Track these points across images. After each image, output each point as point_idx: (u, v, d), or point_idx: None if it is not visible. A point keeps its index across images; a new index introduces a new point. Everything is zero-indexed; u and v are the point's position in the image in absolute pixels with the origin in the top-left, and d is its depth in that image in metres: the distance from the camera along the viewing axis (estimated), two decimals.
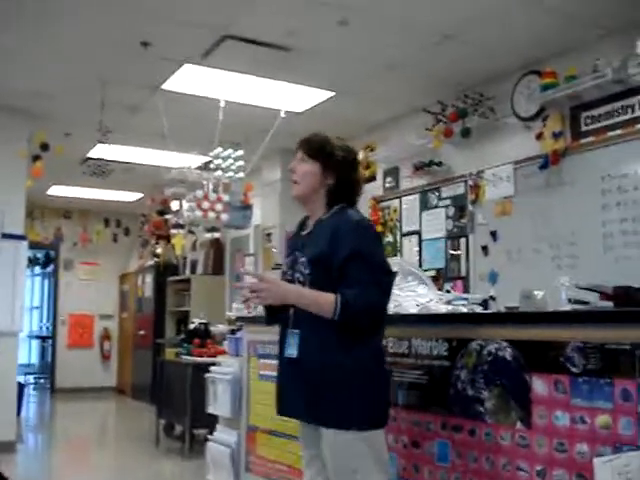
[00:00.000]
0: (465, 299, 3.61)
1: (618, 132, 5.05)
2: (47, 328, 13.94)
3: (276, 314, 2.83)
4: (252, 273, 2.81)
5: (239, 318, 5.09)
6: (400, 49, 5.59)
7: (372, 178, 7.44)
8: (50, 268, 13.70)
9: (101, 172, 6.99)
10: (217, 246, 10.59)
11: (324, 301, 2.55)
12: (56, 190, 10.84)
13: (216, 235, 7.56)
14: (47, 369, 13.31)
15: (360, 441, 2.54)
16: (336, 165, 2.78)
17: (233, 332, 5.22)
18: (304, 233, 2.86)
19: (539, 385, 2.54)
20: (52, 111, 7.16)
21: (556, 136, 5.43)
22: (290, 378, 2.73)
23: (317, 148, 2.81)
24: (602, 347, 2.34)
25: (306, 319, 2.63)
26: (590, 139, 5.27)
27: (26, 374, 13.22)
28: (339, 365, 2.55)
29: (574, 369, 2.42)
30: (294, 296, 2.66)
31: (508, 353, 2.68)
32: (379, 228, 7.18)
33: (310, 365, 2.61)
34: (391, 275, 2.69)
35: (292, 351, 2.68)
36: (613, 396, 2.29)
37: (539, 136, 5.58)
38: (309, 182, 2.80)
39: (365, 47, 5.56)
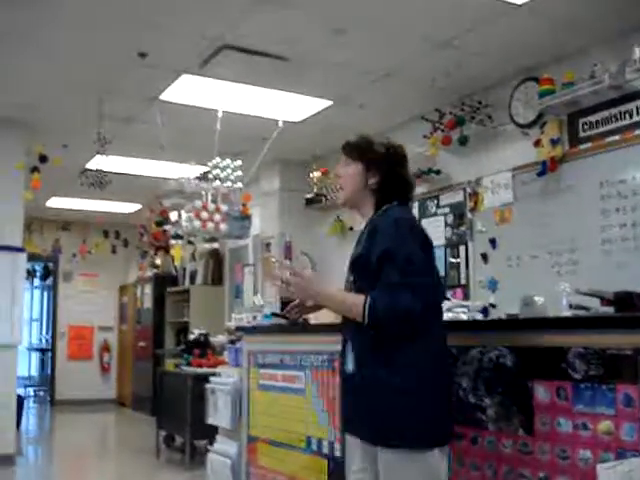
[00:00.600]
0: (465, 306, 3.60)
1: (616, 138, 5.05)
2: (46, 340, 13.90)
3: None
4: (287, 266, 2.71)
5: (239, 328, 5.08)
6: (397, 57, 5.59)
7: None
8: (49, 280, 13.67)
9: (99, 183, 6.96)
10: (216, 256, 10.57)
11: (353, 303, 2.46)
12: (54, 202, 10.83)
13: (215, 245, 7.56)
14: (47, 381, 13.27)
15: (411, 461, 2.40)
16: (378, 162, 2.67)
17: (233, 342, 5.21)
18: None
19: (541, 392, 2.53)
20: (50, 123, 7.16)
21: (554, 143, 5.43)
22: (346, 394, 2.69)
23: (356, 148, 2.74)
24: (604, 353, 2.33)
25: (358, 331, 2.54)
26: (588, 145, 5.26)
27: (26, 386, 13.21)
28: (385, 380, 2.43)
29: (576, 375, 2.41)
30: (324, 297, 2.61)
31: (509, 360, 2.67)
32: None
33: (360, 380, 2.53)
34: (429, 277, 2.48)
35: (350, 366, 2.59)
36: (615, 402, 2.28)
37: (537, 143, 5.57)
38: (353, 185, 2.71)
39: (362, 56, 5.56)
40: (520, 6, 4.66)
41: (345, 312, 2.54)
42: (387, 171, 2.68)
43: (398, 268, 2.39)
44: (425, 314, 2.41)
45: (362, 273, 2.54)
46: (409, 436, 2.40)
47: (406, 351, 2.44)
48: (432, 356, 2.50)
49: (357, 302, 2.44)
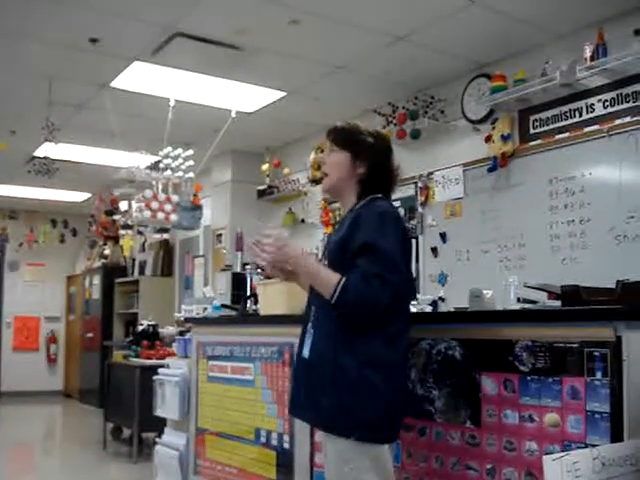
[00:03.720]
0: (415, 299, 3.62)
1: (566, 135, 5.13)
2: None
3: None
4: (267, 230, 2.59)
5: (188, 319, 5.05)
6: (351, 50, 5.59)
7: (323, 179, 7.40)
8: None
9: (47, 171, 6.83)
10: (166, 247, 10.48)
11: (328, 279, 2.42)
12: (1, 190, 10.62)
13: (165, 236, 7.49)
14: None
15: (360, 453, 2.39)
16: (367, 152, 2.64)
17: (182, 334, 5.17)
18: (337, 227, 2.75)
19: (488, 384, 2.55)
20: None
21: (505, 139, 5.48)
22: (299, 378, 2.63)
23: (345, 136, 2.69)
24: (551, 346, 2.36)
25: (322, 318, 2.54)
26: (538, 142, 5.33)
27: None
28: (344, 368, 2.41)
29: (523, 368, 2.44)
30: (301, 262, 2.52)
31: (458, 352, 2.68)
32: (329, 229, 7.18)
33: (317, 366, 2.50)
34: (403, 274, 2.46)
35: (305, 351, 2.57)
36: (562, 394, 2.31)
37: (488, 139, 5.63)
38: (338, 173, 2.67)
39: (316, 47, 5.54)
40: (473, 2, 4.70)
41: (317, 284, 2.50)
42: (374, 162, 2.66)
43: (376, 261, 2.38)
44: (391, 308, 2.42)
45: (337, 259, 2.51)
46: (360, 428, 2.40)
47: (370, 342, 2.44)
48: (394, 351, 2.50)
49: (332, 278, 2.42)
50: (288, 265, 2.59)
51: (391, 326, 2.48)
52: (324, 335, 2.52)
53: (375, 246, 2.39)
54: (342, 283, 2.38)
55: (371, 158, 2.65)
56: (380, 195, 2.65)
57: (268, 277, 4.25)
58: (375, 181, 2.66)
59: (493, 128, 5.61)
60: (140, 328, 7.54)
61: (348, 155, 2.65)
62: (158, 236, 7.37)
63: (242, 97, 6.59)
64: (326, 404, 2.44)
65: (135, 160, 6.56)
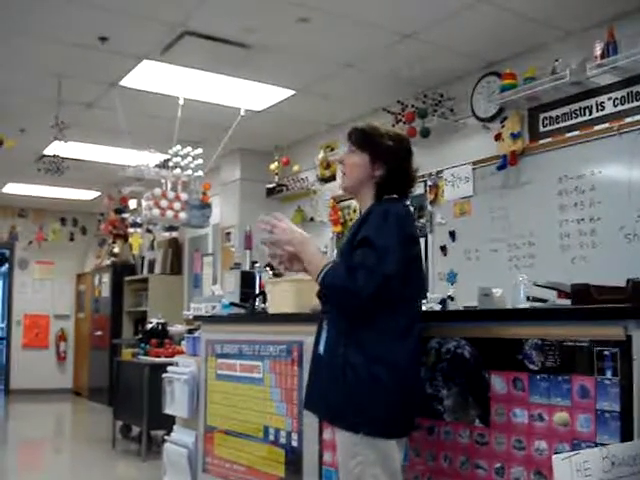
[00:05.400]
0: (425, 298, 3.61)
1: (576, 133, 5.11)
2: (1, 329, 13.67)
3: None
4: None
5: (197, 317, 5.05)
6: (360, 48, 5.58)
7: (332, 178, 7.43)
8: (4, 268, 13.44)
9: (56, 169, 6.85)
10: (175, 245, 10.49)
11: (318, 261, 2.51)
12: (11, 188, 10.66)
13: (174, 234, 7.49)
14: (1, 371, 13.04)
15: (366, 447, 2.42)
16: (386, 154, 2.64)
17: (191, 332, 5.17)
18: None
19: (498, 383, 2.54)
20: (6, 106, 7.01)
21: (514, 137, 5.47)
22: (314, 373, 2.67)
23: (365, 137, 2.69)
24: (560, 344, 2.35)
25: (335, 315, 2.57)
26: (548, 140, 5.31)
27: None
28: (353, 365, 2.44)
29: (532, 366, 2.43)
30: (301, 242, 2.58)
31: (467, 351, 2.68)
32: (339, 228, 7.18)
33: (329, 362, 2.54)
34: (390, 267, 2.39)
35: (321, 347, 2.61)
36: (571, 393, 2.30)
37: (498, 137, 5.61)
38: (357, 174, 2.68)
39: (325, 45, 5.53)
40: (481, 0, 4.68)
41: (310, 268, 2.55)
42: (393, 164, 2.66)
43: (368, 253, 2.39)
44: (379, 303, 2.41)
45: (344, 256, 2.54)
46: (368, 423, 2.42)
47: (378, 339, 2.46)
48: (403, 348, 2.50)
49: (321, 264, 2.49)
50: (291, 246, 2.60)
51: (400, 323, 2.50)
52: (336, 332, 2.55)
53: (370, 240, 2.42)
54: (326, 269, 2.45)
55: (390, 161, 2.65)
56: (395, 196, 2.65)
57: (277, 275, 4.26)
58: (392, 183, 2.66)
59: (503, 126, 5.60)
60: (149, 326, 7.55)
61: (367, 157, 2.66)
62: (167, 234, 7.37)
63: (251, 95, 6.58)
64: (336, 399, 2.48)
65: (144, 158, 6.58)
